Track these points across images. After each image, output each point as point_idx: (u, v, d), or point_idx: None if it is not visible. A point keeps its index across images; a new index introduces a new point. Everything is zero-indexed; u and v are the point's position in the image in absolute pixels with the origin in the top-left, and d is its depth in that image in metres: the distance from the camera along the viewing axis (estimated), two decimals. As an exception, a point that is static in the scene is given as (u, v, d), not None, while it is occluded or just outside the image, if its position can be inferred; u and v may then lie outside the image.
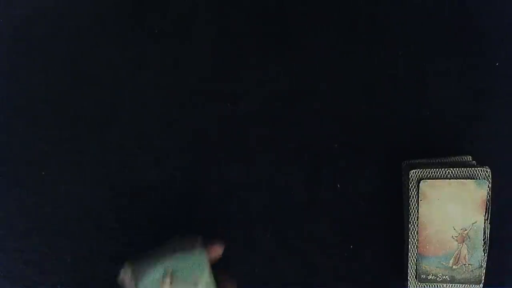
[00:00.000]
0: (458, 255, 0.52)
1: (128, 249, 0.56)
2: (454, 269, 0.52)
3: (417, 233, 0.52)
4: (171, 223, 0.56)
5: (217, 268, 0.44)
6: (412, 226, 0.52)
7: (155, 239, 0.56)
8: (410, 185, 0.52)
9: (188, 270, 0.43)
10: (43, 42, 0.56)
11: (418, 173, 0.52)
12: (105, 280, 0.57)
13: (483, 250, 0.52)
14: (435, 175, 0.52)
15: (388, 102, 0.56)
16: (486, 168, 0.52)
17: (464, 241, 0.52)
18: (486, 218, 0.52)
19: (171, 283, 0.42)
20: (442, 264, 0.52)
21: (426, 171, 0.52)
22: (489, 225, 0.52)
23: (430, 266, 0.52)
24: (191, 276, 0.43)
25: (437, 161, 0.54)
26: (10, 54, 0.56)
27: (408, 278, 0.53)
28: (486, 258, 0.52)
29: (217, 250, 0.46)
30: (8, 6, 0.56)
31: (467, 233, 0.51)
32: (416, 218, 0.52)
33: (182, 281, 0.43)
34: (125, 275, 0.43)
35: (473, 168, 0.52)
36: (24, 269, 0.56)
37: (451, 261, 0.52)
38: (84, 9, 0.56)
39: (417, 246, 0.52)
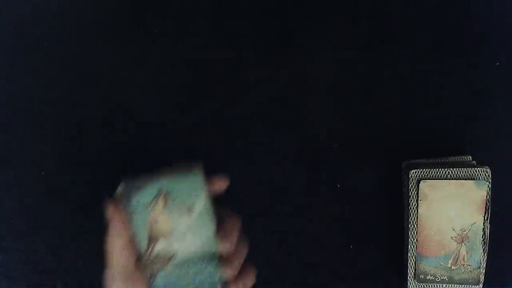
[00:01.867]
0: (457, 256, 0.52)
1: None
2: (453, 269, 0.52)
3: (416, 233, 0.52)
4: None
5: (219, 204, 0.42)
6: (412, 226, 0.52)
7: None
8: (410, 185, 0.52)
9: (184, 192, 0.41)
10: (43, 42, 0.56)
11: (418, 173, 0.52)
12: (105, 280, 0.57)
13: (483, 250, 0.52)
14: (435, 175, 0.52)
15: (388, 102, 0.56)
16: (486, 168, 0.52)
17: (463, 242, 0.52)
18: (485, 218, 0.52)
19: (164, 204, 0.41)
20: (441, 264, 0.52)
21: (426, 171, 0.52)
22: (488, 225, 0.52)
23: (429, 266, 0.52)
24: (186, 200, 0.41)
25: (437, 161, 0.54)
26: (10, 54, 0.56)
27: (407, 278, 0.53)
28: (485, 258, 0.52)
29: (220, 183, 0.42)
30: (8, 6, 0.56)
31: (466, 233, 0.51)
32: (415, 218, 0.52)
33: (176, 204, 0.41)
34: (119, 191, 0.41)
35: (473, 168, 0.52)
36: (24, 269, 0.56)
37: (450, 262, 0.52)
38: (84, 9, 0.56)
39: (416, 246, 0.52)
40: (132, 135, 0.56)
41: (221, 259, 0.42)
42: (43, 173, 0.56)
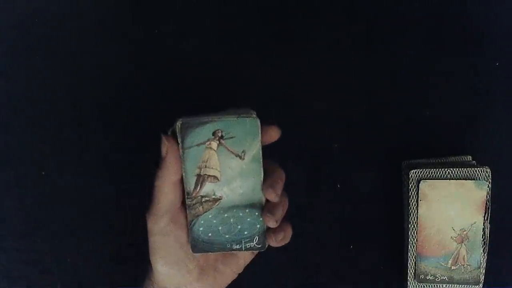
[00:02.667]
0: (457, 256, 0.52)
1: (129, 249, 0.56)
2: (453, 269, 0.52)
3: (416, 233, 0.52)
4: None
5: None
6: (412, 226, 0.52)
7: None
8: (410, 185, 0.52)
9: (239, 136, 0.41)
10: (43, 42, 0.56)
11: (418, 173, 0.52)
12: (105, 280, 0.57)
13: (483, 250, 0.52)
14: (435, 175, 0.52)
15: (388, 102, 0.56)
16: (486, 168, 0.52)
17: (463, 242, 0.52)
18: (486, 218, 0.52)
19: (218, 145, 0.41)
20: (441, 264, 0.52)
21: (426, 171, 0.52)
22: (488, 225, 0.52)
23: (429, 266, 0.52)
24: (240, 143, 0.41)
25: (437, 161, 0.54)
26: (10, 54, 0.56)
27: (407, 278, 0.53)
28: (485, 258, 0.52)
29: (273, 132, 0.42)
30: (8, 6, 0.56)
31: (466, 233, 0.51)
32: (415, 218, 0.52)
33: (230, 145, 0.41)
34: (174, 129, 0.41)
35: (473, 168, 0.52)
36: (24, 269, 0.56)
37: (450, 262, 0.52)
38: (84, 9, 0.56)
39: (416, 246, 0.52)
40: (133, 135, 0.56)
41: (264, 209, 0.42)
42: (43, 173, 0.56)
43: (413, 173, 0.52)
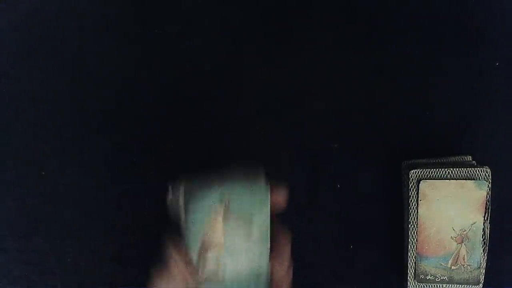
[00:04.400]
0: (457, 256, 0.52)
1: (130, 249, 0.56)
2: (453, 269, 0.52)
3: (416, 233, 0.52)
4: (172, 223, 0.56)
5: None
6: (412, 226, 0.52)
7: (156, 239, 0.56)
8: (410, 185, 0.52)
9: (247, 202, 0.37)
10: (43, 42, 0.56)
11: (418, 173, 0.52)
12: (106, 280, 0.57)
13: (483, 250, 0.52)
14: (435, 175, 0.52)
15: (388, 102, 0.56)
16: (486, 168, 0.52)
17: (463, 242, 0.52)
18: (485, 218, 0.52)
19: (223, 212, 0.38)
20: (441, 264, 0.52)
21: (426, 171, 0.52)
22: (488, 225, 0.52)
23: (429, 266, 0.52)
24: (248, 210, 0.37)
25: (437, 161, 0.54)
26: (10, 54, 0.56)
27: (407, 278, 0.53)
28: (485, 258, 0.52)
29: (280, 196, 0.39)
30: (8, 6, 0.56)
31: (466, 233, 0.51)
32: (415, 218, 0.52)
33: (237, 212, 0.38)
34: (176, 193, 0.38)
35: (473, 168, 0.52)
36: (24, 269, 0.56)
37: (450, 262, 0.52)
38: (84, 9, 0.56)
39: (416, 246, 0.52)
40: (133, 136, 0.56)
41: (270, 282, 0.39)
42: (43, 173, 0.56)
43: (413, 173, 0.52)
